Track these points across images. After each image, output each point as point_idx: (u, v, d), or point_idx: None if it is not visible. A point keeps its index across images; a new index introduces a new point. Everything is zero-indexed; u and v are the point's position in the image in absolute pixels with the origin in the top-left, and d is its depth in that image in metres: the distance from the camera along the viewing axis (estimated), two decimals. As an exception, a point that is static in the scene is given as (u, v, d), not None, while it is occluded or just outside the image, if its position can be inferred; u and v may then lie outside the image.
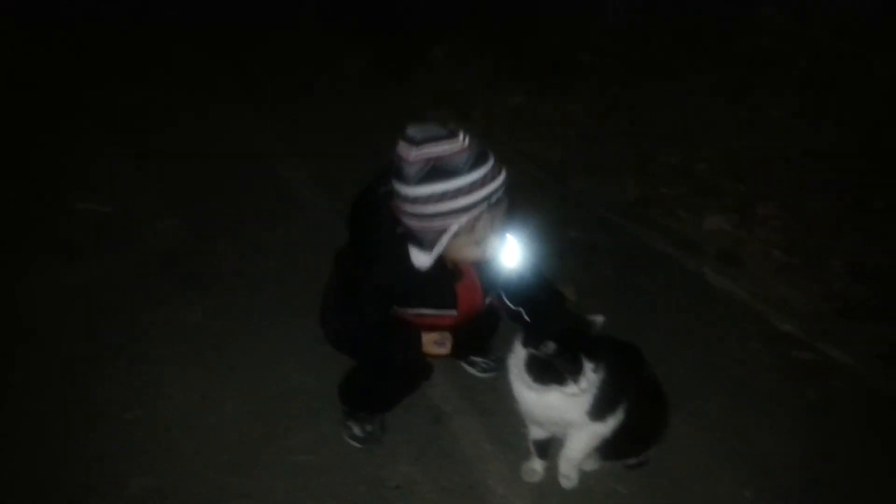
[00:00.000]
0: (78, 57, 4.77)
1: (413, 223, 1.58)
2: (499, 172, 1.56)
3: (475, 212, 1.54)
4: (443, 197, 1.51)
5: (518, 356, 1.71)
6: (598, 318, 1.69)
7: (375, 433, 2.09)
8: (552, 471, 1.98)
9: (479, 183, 1.52)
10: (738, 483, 2.03)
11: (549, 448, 1.98)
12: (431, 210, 1.53)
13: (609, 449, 1.88)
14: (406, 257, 1.65)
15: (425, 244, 1.60)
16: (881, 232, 2.84)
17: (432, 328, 1.84)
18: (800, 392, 2.36)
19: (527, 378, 1.68)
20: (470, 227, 1.57)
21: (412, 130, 1.51)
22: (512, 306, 1.94)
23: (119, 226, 3.10)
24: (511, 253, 1.82)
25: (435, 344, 1.80)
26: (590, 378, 1.63)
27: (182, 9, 5.36)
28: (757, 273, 2.88)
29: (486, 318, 2.08)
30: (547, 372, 1.64)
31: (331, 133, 3.98)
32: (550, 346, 1.61)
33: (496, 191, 1.55)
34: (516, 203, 1.75)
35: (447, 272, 1.75)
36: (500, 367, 2.28)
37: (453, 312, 1.80)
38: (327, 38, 5.22)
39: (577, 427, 1.81)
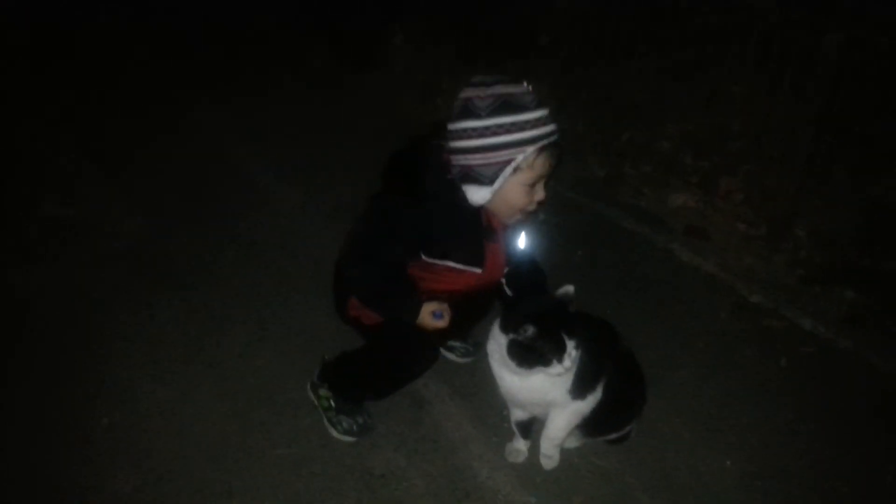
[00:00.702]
0: (37, 60, 4.63)
1: (476, 159, 1.65)
2: (552, 121, 1.66)
3: (539, 145, 1.62)
4: (512, 127, 1.60)
5: (498, 342, 1.71)
6: (569, 289, 1.72)
7: (367, 424, 2.07)
8: (535, 450, 1.99)
9: (543, 120, 1.62)
10: (717, 452, 2.07)
11: (531, 428, 1.99)
12: (501, 140, 1.61)
13: (590, 426, 1.90)
14: (452, 203, 1.72)
15: (486, 178, 1.66)
16: (840, 199, 2.90)
17: (452, 286, 1.86)
18: (772, 359, 2.41)
19: (510, 363, 1.68)
20: (531, 163, 1.64)
21: (480, 77, 1.65)
22: (503, 282, 1.98)
23: (83, 228, 3.02)
24: (522, 237, 1.93)
25: (433, 315, 1.79)
26: (572, 356, 1.64)
27: (136, 9, 5.23)
28: (723, 246, 2.94)
29: (488, 298, 2.10)
30: (530, 355, 1.64)
31: (293, 126, 3.95)
32: (530, 330, 1.62)
33: (554, 132, 1.66)
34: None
35: (482, 228, 1.81)
36: (478, 351, 2.30)
37: (478, 270, 1.84)
38: (283, 32, 5.16)
39: (558, 407, 1.82)
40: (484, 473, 1.97)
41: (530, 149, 1.62)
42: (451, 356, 2.34)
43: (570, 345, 1.63)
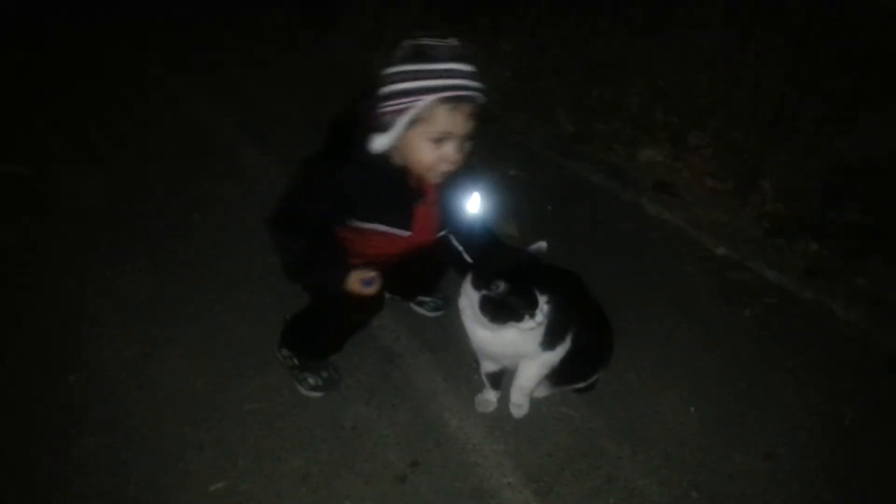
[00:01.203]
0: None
1: (383, 107, 1.60)
2: (477, 80, 1.59)
3: (437, 95, 1.54)
4: (414, 75, 1.54)
5: (471, 298, 1.71)
6: (542, 245, 1.72)
7: (332, 377, 2.08)
8: (505, 400, 2.02)
9: (450, 73, 1.55)
10: (682, 400, 2.12)
11: (501, 379, 2.01)
12: (401, 87, 1.56)
13: (558, 375, 1.93)
14: (376, 163, 1.67)
15: (385, 126, 1.61)
16: (805, 154, 2.93)
17: (381, 250, 1.84)
18: (736, 310, 2.46)
19: (482, 319, 1.69)
20: (428, 115, 1.57)
21: (422, 31, 1.61)
22: (456, 244, 1.95)
23: (43, 188, 2.95)
24: (474, 199, 1.86)
25: (362, 282, 1.76)
26: (544, 311, 1.65)
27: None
28: (691, 200, 2.97)
29: (437, 257, 2.09)
30: (502, 310, 1.65)
31: (257, 87, 3.88)
32: (501, 286, 1.62)
33: (466, 88, 1.57)
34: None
35: (409, 189, 1.76)
36: (448, 305, 2.31)
37: (406, 233, 1.80)
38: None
39: (529, 358, 1.85)
40: (454, 423, 2.00)
41: (428, 98, 1.54)
42: (420, 310, 2.35)
43: (542, 300, 1.64)
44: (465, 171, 1.78)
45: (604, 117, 3.42)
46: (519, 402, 1.99)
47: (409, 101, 1.56)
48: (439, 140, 1.62)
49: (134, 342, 2.21)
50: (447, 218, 1.88)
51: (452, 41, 1.57)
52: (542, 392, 2.06)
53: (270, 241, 1.82)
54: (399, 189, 1.74)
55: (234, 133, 3.41)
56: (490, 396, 2.04)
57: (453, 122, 1.60)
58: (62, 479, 1.81)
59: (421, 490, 1.82)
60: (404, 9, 4.41)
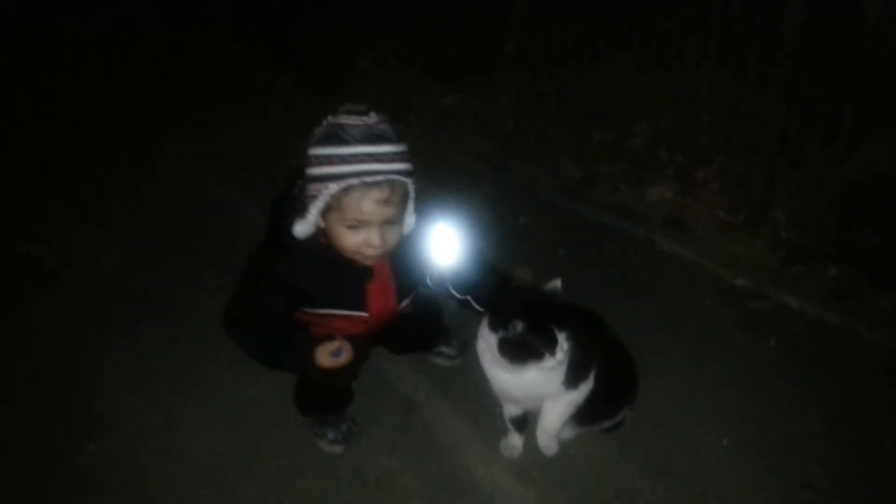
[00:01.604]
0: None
1: (303, 191, 1.57)
2: (391, 161, 1.51)
3: (343, 183, 1.49)
4: (323, 160, 1.50)
5: (488, 341, 1.68)
6: (556, 283, 1.69)
7: (351, 430, 2.04)
8: (530, 444, 1.96)
9: (359, 157, 1.48)
10: (713, 434, 2.05)
11: (525, 423, 1.96)
12: (312, 172, 1.53)
13: (583, 415, 1.87)
14: (314, 248, 1.63)
15: (304, 211, 1.57)
16: (814, 180, 2.92)
17: (346, 332, 1.78)
18: (760, 340, 2.41)
19: (502, 361, 1.65)
20: (338, 202, 1.52)
21: (347, 105, 1.55)
22: (459, 296, 1.91)
23: (60, 266, 2.98)
24: (444, 245, 1.79)
25: (330, 354, 1.71)
26: (564, 348, 1.62)
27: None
28: (704, 234, 2.94)
29: (425, 317, 2.08)
30: (522, 351, 1.62)
31: (267, 155, 3.92)
32: (519, 325, 1.59)
33: (376, 172, 1.49)
34: (453, 196, 1.75)
35: (356, 270, 1.69)
36: (465, 352, 2.28)
37: (364, 314, 1.76)
38: (250, 61, 5.19)
39: (552, 398, 1.80)
40: (480, 471, 1.95)
41: (334, 186, 1.49)
42: (438, 360, 2.32)
43: (562, 337, 1.61)
44: (420, 230, 1.73)
45: (608, 160, 3.43)
46: (546, 445, 1.93)
47: (319, 187, 1.52)
48: (355, 227, 1.57)
49: (152, 410, 2.20)
50: (409, 283, 1.83)
51: (371, 118, 1.51)
52: (567, 433, 2.00)
53: (229, 335, 1.77)
54: (343, 272, 1.67)
55: (241, 200, 3.44)
56: (515, 441, 1.99)
57: (364, 209, 1.53)
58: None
59: (449, 541, 1.76)
60: (404, 71, 4.50)
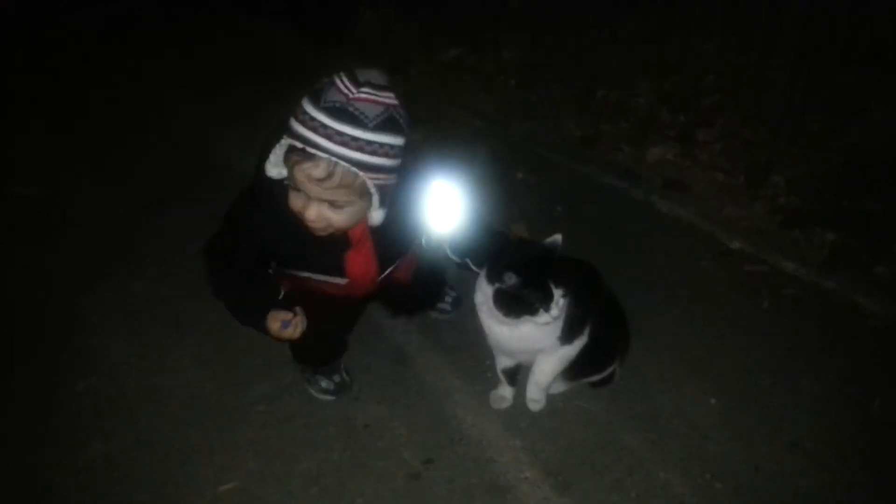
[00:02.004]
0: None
1: None
2: (343, 144, 1.38)
3: (289, 141, 1.42)
4: (296, 112, 1.41)
5: (485, 292, 1.67)
6: (557, 238, 1.66)
7: (344, 381, 2.04)
8: (520, 397, 1.97)
9: (311, 123, 1.38)
10: (702, 392, 2.05)
11: (517, 375, 1.96)
12: (289, 121, 1.44)
13: (574, 369, 1.88)
14: (283, 212, 1.54)
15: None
16: (817, 146, 2.90)
17: (328, 293, 1.76)
18: (754, 302, 2.40)
19: (497, 313, 1.65)
20: (285, 160, 1.46)
21: (369, 70, 1.43)
22: (456, 259, 1.88)
23: (56, 208, 2.97)
24: (444, 211, 1.73)
25: (281, 324, 1.66)
26: (560, 304, 1.61)
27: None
28: (703, 196, 2.93)
29: (428, 279, 2.06)
30: (517, 304, 1.61)
31: (267, 104, 3.86)
32: (512, 278, 1.59)
33: (319, 147, 1.38)
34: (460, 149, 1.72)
35: (333, 240, 1.62)
36: (460, 305, 2.27)
37: (342, 280, 1.73)
38: (253, 16, 5.10)
39: (546, 352, 1.80)
40: (469, 420, 1.95)
41: (285, 139, 1.42)
42: (432, 314, 2.31)
43: (558, 293, 1.59)
44: (411, 195, 1.65)
45: (610, 119, 3.39)
46: (535, 398, 1.94)
47: (281, 137, 1.45)
48: (296, 190, 1.49)
49: (143, 350, 2.20)
50: (392, 253, 1.78)
51: (359, 92, 1.37)
52: (558, 388, 2.01)
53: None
54: (321, 239, 1.59)
55: (241, 151, 3.41)
56: (505, 393, 1.99)
57: (297, 176, 1.44)
58: (69, 486, 1.79)
59: (435, 487, 1.77)
60: (406, 25, 4.44)
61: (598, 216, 2.83)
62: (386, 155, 1.43)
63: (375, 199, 1.51)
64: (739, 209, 2.82)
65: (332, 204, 1.48)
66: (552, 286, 1.59)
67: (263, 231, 1.59)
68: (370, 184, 1.45)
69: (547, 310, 1.60)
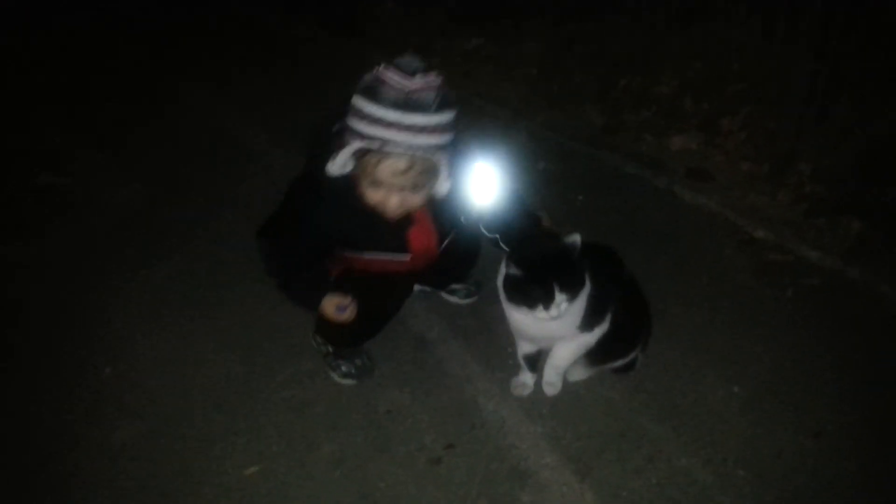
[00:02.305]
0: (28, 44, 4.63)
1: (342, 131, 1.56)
2: (419, 133, 1.47)
3: (364, 143, 1.49)
4: (356, 112, 1.49)
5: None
6: (576, 238, 1.64)
7: (366, 365, 2.05)
8: (541, 383, 1.97)
9: (384, 123, 1.45)
10: (725, 380, 2.04)
11: (538, 361, 1.97)
12: (348, 121, 1.51)
13: (596, 355, 1.89)
14: (353, 199, 1.62)
15: (337, 153, 1.57)
16: (842, 135, 2.86)
17: (389, 270, 1.82)
18: (778, 291, 2.38)
19: (501, 294, 1.67)
20: (360, 158, 1.53)
21: (405, 58, 1.48)
22: (488, 234, 1.93)
23: (80, 196, 3.00)
24: (482, 185, 1.79)
25: (336, 308, 1.74)
26: (561, 308, 1.60)
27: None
28: (726, 185, 2.90)
29: (465, 249, 2.06)
30: (518, 293, 1.63)
31: (286, 94, 3.91)
32: (513, 269, 1.61)
33: (398, 144, 1.47)
34: (482, 139, 1.73)
35: (399, 220, 1.70)
36: (480, 291, 2.28)
37: (406, 256, 1.79)
38: (273, 5, 5.12)
39: (566, 339, 1.81)
40: (490, 407, 1.96)
41: (356, 142, 1.49)
42: (453, 298, 2.32)
43: (561, 297, 1.59)
44: (458, 171, 1.70)
45: (632, 108, 3.37)
46: (552, 381, 1.95)
47: (348, 137, 1.51)
48: (375, 185, 1.57)
49: (167, 336, 2.23)
50: (449, 226, 1.85)
51: (415, 81, 1.44)
52: (580, 375, 2.01)
53: (257, 245, 1.78)
54: (383, 218, 1.67)
55: (261, 139, 3.43)
56: (527, 379, 1.99)
57: (379, 174, 1.53)
58: (97, 468, 1.82)
59: (456, 472, 1.78)
60: (427, 15, 4.43)
61: (620, 205, 2.82)
62: (448, 131, 1.53)
63: (444, 172, 1.61)
64: (763, 198, 2.80)
65: (411, 189, 1.58)
66: (556, 288, 1.58)
67: (331, 223, 1.66)
68: (441, 163, 1.57)
69: (546, 308, 1.60)
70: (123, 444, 1.87)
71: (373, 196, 1.61)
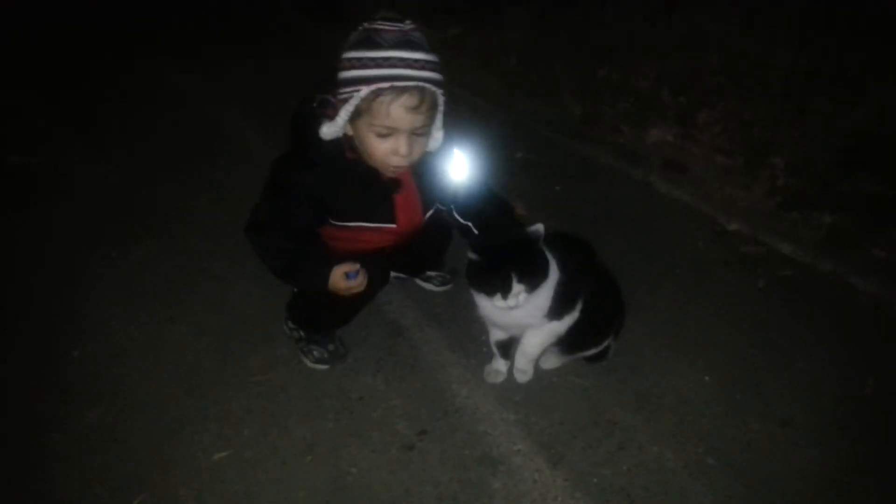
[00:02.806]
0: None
1: (334, 95, 1.56)
2: (422, 68, 1.50)
3: (374, 86, 1.48)
4: (356, 63, 1.49)
5: None
6: (539, 228, 1.66)
7: (338, 350, 2.04)
8: (513, 371, 1.98)
9: (391, 61, 1.47)
10: (696, 370, 2.06)
11: (510, 349, 1.97)
12: (344, 76, 1.51)
13: (568, 344, 1.89)
14: (342, 160, 1.63)
15: (333, 115, 1.57)
16: (818, 128, 2.89)
17: (374, 244, 1.81)
18: (750, 282, 2.41)
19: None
20: (368, 106, 1.52)
21: (382, 12, 1.52)
22: (462, 220, 1.92)
23: (53, 177, 2.97)
24: (458, 166, 1.80)
25: (347, 276, 1.72)
26: (519, 298, 1.61)
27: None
28: (702, 177, 2.92)
29: (437, 233, 2.05)
30: (477, 280, 1.65)
31: (269, 82, 3.87)
32: (474, 256, 1.62)
33: (407, 79, 1.48)
34: (460, 127, 1.75)
35: (383, 182, 1.71)
36: (455, 279, 2.28)
37: (393, 226, 1.78)
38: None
39: (535, 327, 1.81)
40: (463, 393, 1.96)
41: (365, 89, 1.48)
42: (427, 286, 2.32)
43: (519, 287, 1.60)
44: (442, 144, 1.73)
45: (610, 99, 3.38)
46: (523, 368, 1.95)
47: (350, 91, 1.51)
48: (385, 134, 1.57)
49: (139, 321, 2.20)
50: (432, 197, 1.84)
51: (406, 25, 1.50)
52: (553, 363, 2.02)
53: (251, 247, 1.76)
54: (371, 184, 1.69)
55: (242, 126, 3.41)
56: (499, 366, 2.00)
57: (393, 114, 1.52)
58: (65, 451, 1.79)
59: (429, 458, 1.78)
60: (408, 2, 4.39)
61: (596, 196, 2.83)
62: (440, 71, 1.54)
63: (440, 117, 1.64)
64: (738, 190, 2.82)
65: (417, 133, 1.59)
66: (514, 278, 1.59)
67: (321, 186, 1.65)
68: (440, 100, 1.58)
69: (504, 297, 1.61)
70: (93, 427, 1.84)
71: (379, 148, 1.59)
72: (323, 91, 1.60)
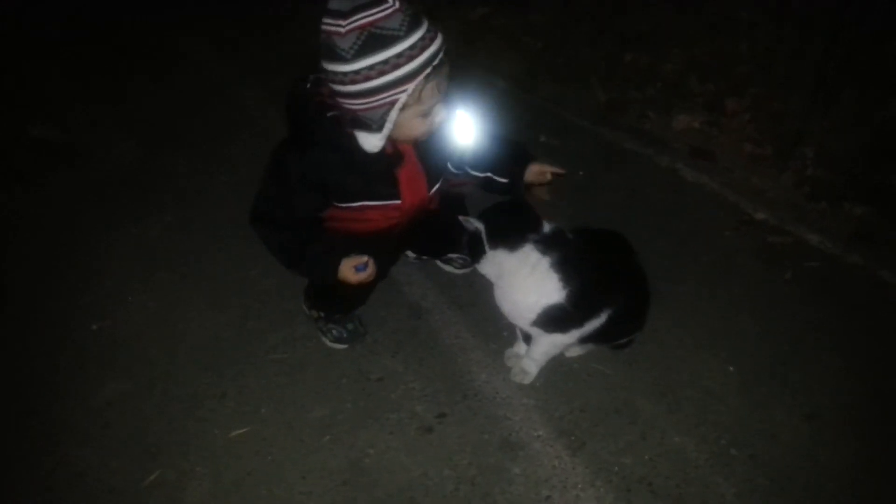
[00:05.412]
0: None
1: (357, 104, 1.50)
2: (435, 34, 1.48)
3: (420, 78, 1.45)
4: (385, 67, 1.42)
5: None
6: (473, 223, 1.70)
7: (357, 330, 2.02)
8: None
9: (418, 46, 1.43)
10: (721, 360, 2.02)
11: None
12: (375, 84, 1.44)
13: (591, 337, 1.84)
14: (337, 145, 1.58)
15: (374, 124, 1.52)
16: (848, 119, 2.83)
17: (380, 224, 1.77)
18: (777, 273, 2.36)
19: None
20: (417, 97, 1.50)
21: (336, 3, 1.41)
22: (479, 174, 1.89)
23: (74, 150, 2.97)
24: (462, 127, 1.77)
25: (355, 268, 1.70)
26: (485, 269, 1.74)
27: None
28: (729, 166, 2.87)
29: (452, 213, 2.01)
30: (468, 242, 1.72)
31: (287, 59, 3.84)
32: (472, 225, 1.69)
33: (437, 53, 1.47)
34: (483, 109, 1.73)
35: (385, 157, 1.66)
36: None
37: (397, 202, 1.73)
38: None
39: (534, 335, 1.80)
40: (482, 377, 1.94)
41: (412, 85, 1.45)
42: (448, 268, 2.29)
43: (489, 254, 1.69)
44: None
45: (637, 85, 3.33)
46: (527, 369, 1.91)
47: (392, 95, 1.46)
48: (428, 114, 1.57)
49: (158, 295, 2.20)
50: (436, 165, 1.80)
51: (395, 2, 1.40)
52: (576, 351, 1.99)
53: (256, 237, 1.74)
54: (373, 162, 1.63)
55: (263, 102, 3.39)
56: (520, 351, 1.97)
57: (438, 90, 1.53)
58: (83, 425, 1.80)
59: (447, 441, 1.76)
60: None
61: (621, 182, 2.79)
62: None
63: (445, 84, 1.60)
64: (766, 180, 2.77)
65: (445, 97, 1.59)
66: (486, 246, 1.67)
67: (321, 172, 1.62)
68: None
69: (476, 261, 1.74)
70: (109, 401, 1.84)
71: (422, 127, 1.60)
72: (320, 90, 1.56)
